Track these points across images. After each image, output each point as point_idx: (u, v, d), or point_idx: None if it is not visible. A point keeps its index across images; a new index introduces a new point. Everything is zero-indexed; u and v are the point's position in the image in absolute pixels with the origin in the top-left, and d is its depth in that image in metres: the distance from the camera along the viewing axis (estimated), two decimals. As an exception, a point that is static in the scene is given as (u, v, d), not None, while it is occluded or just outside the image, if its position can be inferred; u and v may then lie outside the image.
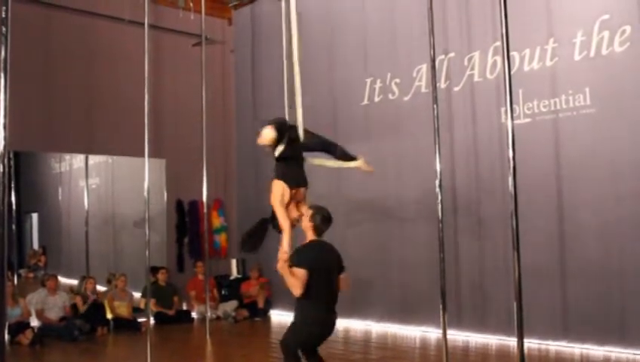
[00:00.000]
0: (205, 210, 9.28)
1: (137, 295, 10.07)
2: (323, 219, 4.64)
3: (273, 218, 5.00)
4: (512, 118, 4.19)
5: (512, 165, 4.13)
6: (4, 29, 3.01)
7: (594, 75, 7.07)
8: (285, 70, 5.35)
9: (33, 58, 9.40)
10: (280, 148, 5.03)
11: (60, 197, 12.52)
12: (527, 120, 7.58)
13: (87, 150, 10.69)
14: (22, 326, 8.34)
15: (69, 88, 9.85)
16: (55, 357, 7.88)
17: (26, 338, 8.20)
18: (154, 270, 9.75)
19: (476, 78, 8.17)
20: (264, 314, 10.46)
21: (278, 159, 5.08)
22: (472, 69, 8.22)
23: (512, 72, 4.23)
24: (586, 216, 7.05)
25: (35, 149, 10.39)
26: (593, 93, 7.06)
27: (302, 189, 5.07)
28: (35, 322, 8.79)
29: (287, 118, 5.33)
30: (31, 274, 11.60)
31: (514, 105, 6.55)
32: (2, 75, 3.00)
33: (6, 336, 3.17)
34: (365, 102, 9.48)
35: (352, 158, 5.39)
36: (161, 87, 10.45)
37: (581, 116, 7.15)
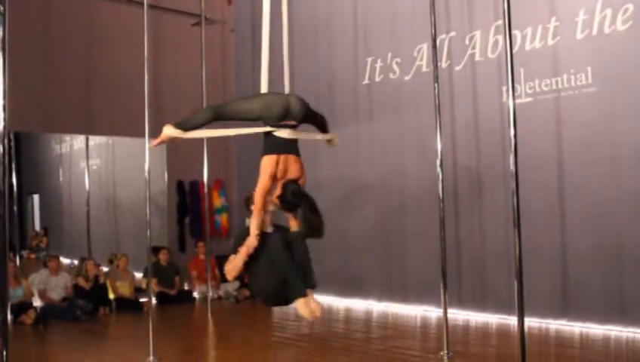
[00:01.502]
0: (206, 190, 9.29)
1: (139, 275, 10.11)
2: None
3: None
4: (514, 97, 4.17)
5: (513, 144, 4.13)
6: (1, 8, 2.98)
7: (596, 54, 7.02)
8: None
9: (32, 38, 9.34)
10: None
11: (60, 179, 12.54)
12: (529, 99, 7.55)
13: (88, 131, 10.67)
14: (24, 306, 8.39)
15: (68, 68, 9.80)
16: (58, 336, 7.94)
17: (28, 318, 8.26)
18: (155, 250, 9.78)
19: (477, 58, 8.13)
20: (265, 294, 10.48)
21: None
22: (474, 48, 8.16)
23: (513, 51, 4.21)
24: (587, 194, 7.04)
25: (35, 130, 10.37)
26: (595, 72, 7.02)
27: None
28: (37, 302, 8.84)
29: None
30: (33, 255, 11.69)
31: (515, 85, 6.49)
32: (1, 55, 2.97)
33: (9, 316, 3.18)
34: (366, 81, 9.44)
35: None
36: (161, 67, 10.40)
37: (583, 95, 7.12)
